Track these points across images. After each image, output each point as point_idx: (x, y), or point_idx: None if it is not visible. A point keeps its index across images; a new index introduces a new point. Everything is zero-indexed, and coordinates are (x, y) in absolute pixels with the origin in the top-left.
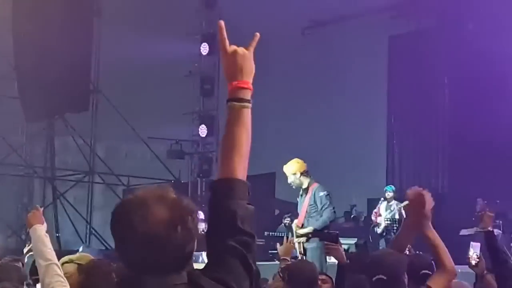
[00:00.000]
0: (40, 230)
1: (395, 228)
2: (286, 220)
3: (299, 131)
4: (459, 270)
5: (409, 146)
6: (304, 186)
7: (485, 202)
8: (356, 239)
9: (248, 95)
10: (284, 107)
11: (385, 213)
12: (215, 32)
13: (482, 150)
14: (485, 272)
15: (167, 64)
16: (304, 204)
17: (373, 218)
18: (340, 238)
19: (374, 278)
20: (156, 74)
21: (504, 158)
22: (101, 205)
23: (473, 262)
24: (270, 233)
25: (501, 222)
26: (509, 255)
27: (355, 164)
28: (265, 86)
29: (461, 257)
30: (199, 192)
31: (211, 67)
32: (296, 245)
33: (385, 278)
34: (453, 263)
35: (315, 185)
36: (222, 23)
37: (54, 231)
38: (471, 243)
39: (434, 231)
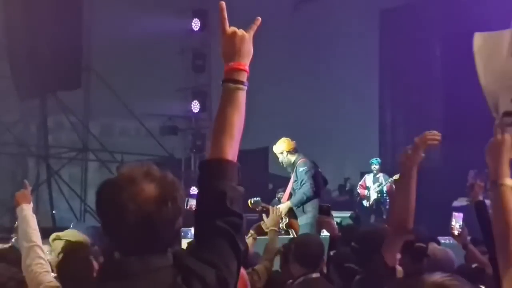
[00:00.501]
0: (27, 209)
1: (383, 201)
2: (280, 195)
3: (291, 105)
4: (450, 241)
5: (401, 118)
6: (292, 163)
7: (476, 171)
8: (350, 212)
9: (243, 77)
10: (277, 81)
11: (373, 186)
12: (206, 8)
13: (476, 122)
14: (468, 242)
15: (159, 40)
16: (290, 181)
17: (359, 191)
18: (333, 211)
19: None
20: (148, 51)
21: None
22: (95, 182)
23: (456, 232)
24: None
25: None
26: None
27: (347, 137)
28: (257, 60)
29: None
30: (192, 168)
31: (203, 43)
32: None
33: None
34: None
35: (300, 162)
36: (223, 4)
37: (50, 209)
38: (454, 213)
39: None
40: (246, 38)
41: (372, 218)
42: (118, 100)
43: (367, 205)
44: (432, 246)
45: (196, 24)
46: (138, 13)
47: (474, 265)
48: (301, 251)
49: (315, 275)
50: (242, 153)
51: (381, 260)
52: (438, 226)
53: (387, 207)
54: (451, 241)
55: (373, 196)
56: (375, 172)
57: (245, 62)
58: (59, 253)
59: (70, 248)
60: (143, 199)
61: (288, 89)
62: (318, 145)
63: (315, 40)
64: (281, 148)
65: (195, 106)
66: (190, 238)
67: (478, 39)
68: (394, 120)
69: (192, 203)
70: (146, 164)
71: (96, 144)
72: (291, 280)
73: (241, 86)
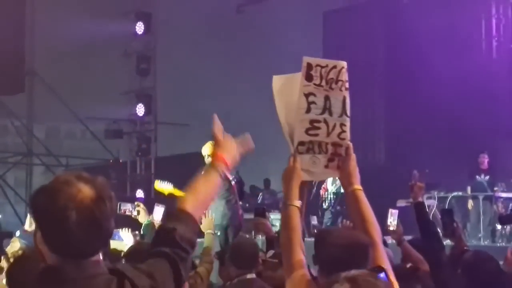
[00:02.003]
0: None
1: (335, 201)
2: None
3: (235, 108)
4: (391, 241)
5: None
6: None
7: (415, 172)
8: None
9: (221, 166)
10: (221, 84)
11: (331, 187)
12: (150, 11)
13: (419, 122)
14: (403, 239)
15: (103, 44)
16: None
17: (321, 193)
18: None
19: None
20: (92, 54)
21: (441, 129)
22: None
23: (391, 229)
24: None
25: (436, 192)
26: (439, 226)
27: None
28: (203, 62)
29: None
30: (138, 171)
31: (147, 46)
32: None
33: None
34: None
35: None
36: (215, 116)
37: None
38: (390, 210)
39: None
40: (235, 145)
41: (326, 218)
42: (63, 103)
43: (325, 206)
44: None
45: (140, 28)
46: (81, 17)
47: (408, 265)
48: (236, 253)
49: (250, 275)
50: (181, 156)
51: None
52: (381, 225)
53: (338, 208)
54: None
55: (330, 197)
56: None
57: (229, 160)
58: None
59: (22, 255)
60: (82, 198)
61: (230, 90)
62: (259, 146)
63: (259, 41)
64: (207, 151)
65: (140, 109)
66: (118, 240)
67: (276, 81)
68: None
69: (126, 207)
70: (76, 171)
71: (41, 148)
72: (229, 282)
73: (219, 170)
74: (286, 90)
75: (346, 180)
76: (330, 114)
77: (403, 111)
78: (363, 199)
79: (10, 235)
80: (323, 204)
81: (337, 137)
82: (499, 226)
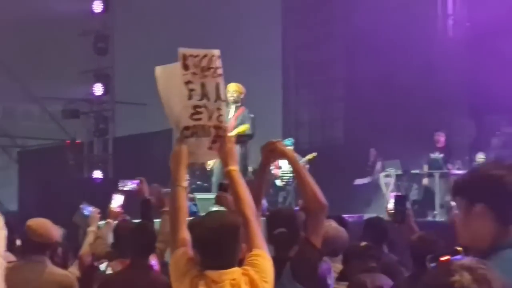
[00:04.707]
0: None
1: (290, 180)
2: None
3: None
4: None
5: (305, 98)
6: None
7: (372, 149)
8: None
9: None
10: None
11: (286, 166)
12: None
13: (377, 102)
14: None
15: (60, 22)
16: None
17: (273, 171)
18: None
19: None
20: (49, 33)
21: (398, 108)
22: None
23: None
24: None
25: (393, 170)
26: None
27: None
28: (162, 41)
29: (355, 206)
30: (95, 152)
31: (105, 25)
32: None
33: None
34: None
35: None
36: None
37: None
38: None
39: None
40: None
41: (281, 197)
42: (19, 83)
43: (281, 184)
44: (327, 223)
45: (98, 6)
46: None
47: (363, 243)
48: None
49: None
50: (148, 135)
51: (308, 242)
52: (342, 204)
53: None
54: (354, 219)
55: (286, 175)
56: None
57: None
58: None
59: None
60: None
61: None
62: None
63: (218, 21)
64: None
65: (98, 89)
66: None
67: (159, 71)
68: (298, 100)
69: (124, 184)
70: None
71: None
72: None
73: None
74: (169, 79)
75: (223, 161)
76: (208, 99)
77: (362, 91)
78: (238, 179)
79: None
80: (277, 182)
81: (217, 120)
82: (453, 203)
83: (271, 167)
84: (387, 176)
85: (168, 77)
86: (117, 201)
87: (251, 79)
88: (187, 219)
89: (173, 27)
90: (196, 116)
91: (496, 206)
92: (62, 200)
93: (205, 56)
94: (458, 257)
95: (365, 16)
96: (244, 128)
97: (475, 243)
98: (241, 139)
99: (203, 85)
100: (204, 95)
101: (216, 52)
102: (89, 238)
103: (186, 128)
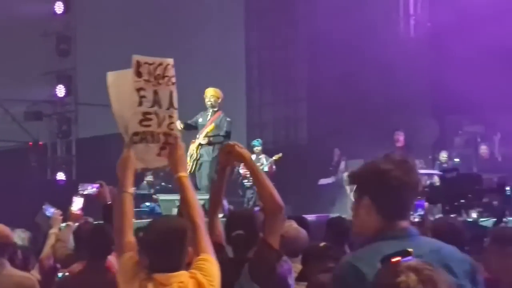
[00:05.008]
0: None
1: None
2: (148, 178)
3: None
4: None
5: (268, 98)
6: None
7: (336, 149)
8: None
9: None
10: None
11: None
12: None
13: (340, 102)
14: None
15: (21, 23)
16: None
17: (241, 171)
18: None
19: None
20: (10, 34)
21: (361, 108)
22: None
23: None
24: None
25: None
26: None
27: None
28: (124, 42)
29: (319, 206)
30: (58, 153)
31: (67, 26)
32: None
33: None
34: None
35: None
36: None
37: None
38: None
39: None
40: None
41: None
42: None
43: (248, 185)
44: (288, 224)
45: (59, 7)
46: None
47: (322, 244)
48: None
49: None
50: (112, 136)
51: (266, 243)
52: (304, 204)
53: None
54: (316, 219)
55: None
56: (257, 153)
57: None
58: None
59: None
60: None
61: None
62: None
63: (181, 22)
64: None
65: (60, 91)
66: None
67: (110, 77)
68: (261, 101)
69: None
70: None
71: None
72: None
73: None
74: (119, 85)
75: (173, 167)
76: (160, 106)
77: (325, 91)
78: (187, 185)
79: None
80: (245, 182)
81: (167, 127)
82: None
83: (239, 168)
84: None
85: (120, 83)
86: (77, 204)
87: (214, 79)
88: (133, 223)
89: (135, 27)
90: (145, 123)
91: (379, 200)
92: (25, 203)
93: (160, 64)
94: (408, 258)
95: (327, 16)
96: (211, 127)
97: (363, 232)
98: (216, 140)
99: (155, 93)
100: (155, 102)
101: (171, 61)
102: (51, 240)
103: (135, 134)
